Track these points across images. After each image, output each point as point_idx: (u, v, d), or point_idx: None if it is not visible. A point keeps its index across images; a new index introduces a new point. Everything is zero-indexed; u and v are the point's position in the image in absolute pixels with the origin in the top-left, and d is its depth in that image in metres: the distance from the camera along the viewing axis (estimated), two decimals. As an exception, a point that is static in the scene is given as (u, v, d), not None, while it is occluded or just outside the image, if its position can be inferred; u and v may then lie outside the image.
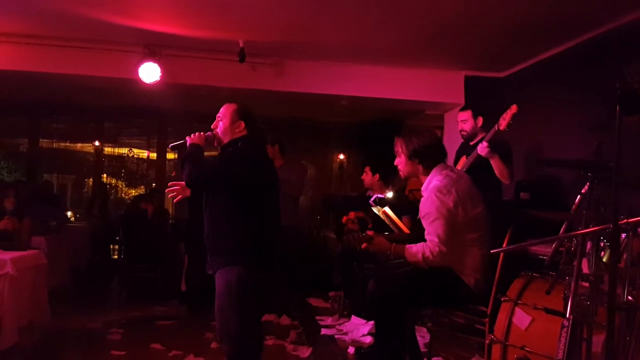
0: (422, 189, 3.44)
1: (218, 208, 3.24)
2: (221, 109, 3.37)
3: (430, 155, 3.39)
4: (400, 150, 3.45)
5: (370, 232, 3.57)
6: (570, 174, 4.46)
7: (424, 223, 3.32)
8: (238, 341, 3.22)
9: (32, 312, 4.64)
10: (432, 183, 3.35)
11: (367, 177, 5.93)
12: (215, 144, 3.35)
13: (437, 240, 3.20)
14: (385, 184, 5.81)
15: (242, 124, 3.29)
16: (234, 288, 3.15)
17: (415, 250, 3.27)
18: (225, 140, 3.32)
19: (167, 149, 10.23)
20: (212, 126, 3.37)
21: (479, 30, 5.18)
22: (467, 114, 4.56)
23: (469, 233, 3.30)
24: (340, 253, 6.00)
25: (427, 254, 3.21)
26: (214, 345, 4.60)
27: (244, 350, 3.24)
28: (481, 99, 6.13)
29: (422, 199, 3.37)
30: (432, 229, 3.23)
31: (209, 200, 3.28)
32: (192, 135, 3.32)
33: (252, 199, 3.20)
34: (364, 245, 3.47)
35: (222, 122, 3.32)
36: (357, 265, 5.49)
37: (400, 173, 3.55)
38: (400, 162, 3.48)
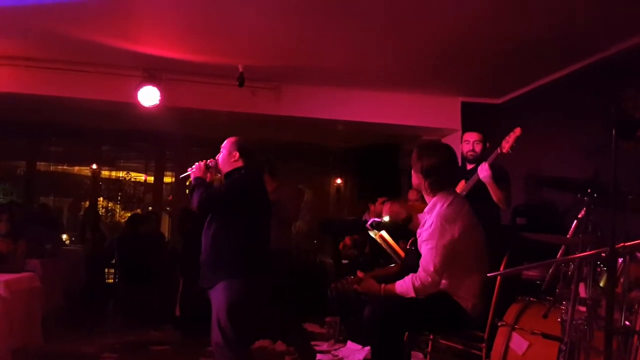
0: (425, 209, 3.40)
1: (223, 227, 3.63)
2: (225, 142, 3.84)
3: (436, 176, 3.31)
4: (412, 162, 3.42)
5: (360, 274, 3.59)
6: (567, 198, 4.47)
7: (424, 247, 3.28)
8: (234, 355, 3.48)
9: (26, 335, 4.58)
10: (437, 207, 3.29)
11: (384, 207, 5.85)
12: (215, 172, 3.83)
13: (432, 269, 3.15)
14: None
15: (237, 154, 3.75)
16: (233, 301, 3.49)
17: (405, 287, 3.22)
18: (224, 169, 3.79)
19: (165, 174, 10.27)
20: (216, 157, 3.83)
21: (476, 57, 5.23)
22: (480, 136, 4.48)
23: (470, 259, 3.27)
24: (334, 296, 5.94)
25: (418, 284, 3.17)
26: (208, 370, 4.55)
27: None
28: (477, 125, 6.15)
29: (427, 222, 3.32)
30: (430, 257, 3.18)
31: (214, 220, 3.68)
32: (194, 167, 3.79)
33: (252, 221, 3.66)
34: (354, 287, 3.51)
35: (222, 152, 3.80)
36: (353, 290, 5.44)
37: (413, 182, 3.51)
38: (412, 173, 3.44)
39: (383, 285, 3.38)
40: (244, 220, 3.62)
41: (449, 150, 3.46)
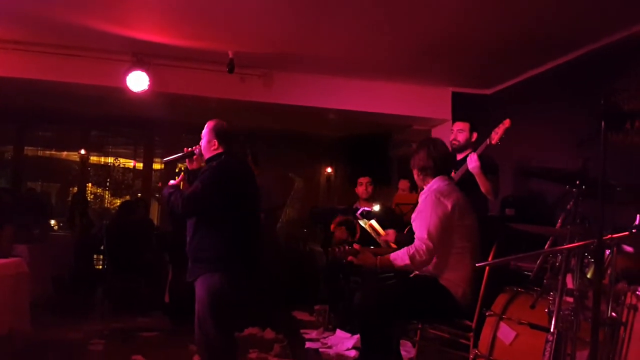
0: (421, 193, 3.54)
1: (201, 219, 3.46)
2: (204, 128, 3.66)
3: (432, 168, 3.52)
4: (411, 161, 3.63)
5: (356, 246, 3.58)
6: (555, 190, 4.50)
7: (417, 220, 3.40)
8: (215, 347, 3.39)
9: (14, 321, 4.56)
10: (433, 187, 3.46)
11: (371, 188, 5.89)
12: (200, 159, 3.67)
13: (425, 235, 3.27)
14: (375, 197, 5.82)
15: (216, 143, 3.55)
16: (213, 295, 3.36)
17: (400, 254, 3.32)
18: (206, 156, 3.61)
19: (154, 160, 10.22)
20: (200, 143, 3.67)
21: (467, 48, 5.23)
22: (465, 125, 4.50)
23: (461, 241, 3.37)
24: (327, 266, 5.97)
25: (412, 251, 3.27)
26: (196, 358, 4.54)
27: (220, 357, 3.42)
28: (468, 115, 6.17)
29: (421, 199, 3.47)
30: (424, 225, 3.31)
31: None
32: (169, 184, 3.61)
33: (232, 211, 3.45)
34: (349, 258, 3.50)
35: (203, 140, 3.63)
36: (343, 278, 5.47)
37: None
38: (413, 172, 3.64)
39: (379, 257, 3.43)
40: (225, 212, 3.43)
41: (438, 144, 3.63)
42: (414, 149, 3.66)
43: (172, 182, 3.60)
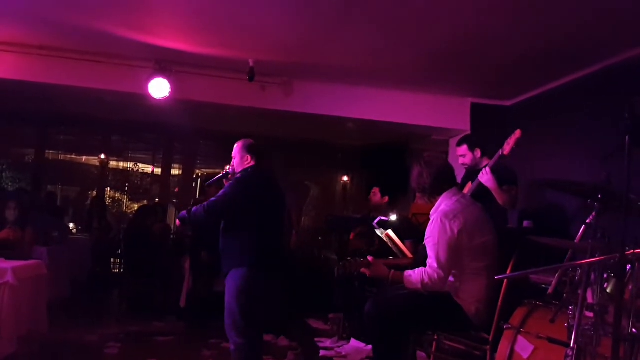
0: (430, 212, 3.45)
1: (229, 223, 3.87)
2: (234, 148, 4.04)
3: (434, 186, 3.45)
4: (412, 186, 3.61)
5: (370, 258, 3.60)
6: (575, 202, 4.45)
7: (427, 244, 3.35)
8: (240, 334, 3.69)
9: (32, 323, 4.61)
10: (440, 207, 3.38)
11: (376, 198, 5.91)
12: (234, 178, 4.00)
13: (436, 265, 3.22)
14: (391, 207, 5.80)
15: (249, 157, 3.95)
16: (240, 285, 3.72)
17: (414, 278, 3.28)
18: (238, 170, 4.01)
19: (172, 166, 10.30)
20: (232, 164, 4.06)
21: (487, 59, 5.21)
22: (463, 149, 4.54)
23: (473, 261, 3.30)
24: (341, 274, 5.96)
25: (426, 280, 3.23)
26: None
27: (249, 345, 3.72)
28: (487, 126, 6.15)
29: (430, 222, 3.39)
30: (434, 253, 3.26)
31: None
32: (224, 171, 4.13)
33: (252, 216, 3.81)
34: (362, 270, 3.51)
35: (235, 158, 4.00)
36: (358, 286, 5.46)
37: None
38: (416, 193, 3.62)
39: (392, 271, 3.42)
40: (247, 217, 3.79)
41: (431, 159, 3.58)
42: (412, 170, 3.59)
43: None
